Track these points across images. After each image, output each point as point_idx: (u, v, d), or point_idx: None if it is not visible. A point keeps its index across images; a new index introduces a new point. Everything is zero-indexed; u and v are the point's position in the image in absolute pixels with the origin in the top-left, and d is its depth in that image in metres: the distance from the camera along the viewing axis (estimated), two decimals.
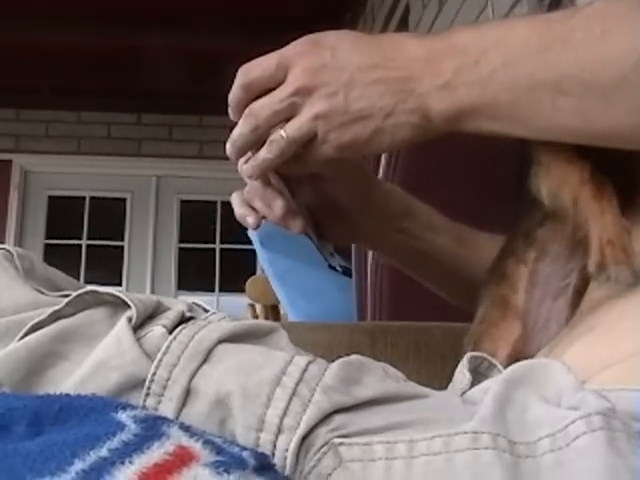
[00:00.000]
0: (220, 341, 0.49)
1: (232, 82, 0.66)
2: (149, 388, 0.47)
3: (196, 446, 0.39)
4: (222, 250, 5.64)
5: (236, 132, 0.66)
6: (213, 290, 5.58)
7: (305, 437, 0.44)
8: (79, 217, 5.64)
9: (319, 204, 0.79)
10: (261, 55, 0.65)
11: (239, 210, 0.77)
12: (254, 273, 4.43)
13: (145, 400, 0.47)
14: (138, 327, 0.50)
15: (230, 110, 0.67)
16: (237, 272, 4.79)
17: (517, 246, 0.68)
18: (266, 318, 2.58)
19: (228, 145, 0.67)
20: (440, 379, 0.61)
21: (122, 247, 5.60)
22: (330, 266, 0.86)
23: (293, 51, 0.64)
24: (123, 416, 0.41)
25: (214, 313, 0.54)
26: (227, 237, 5.56)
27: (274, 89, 0.64)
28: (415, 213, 0.85)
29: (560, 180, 0.60)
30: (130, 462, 0.36)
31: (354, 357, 0.51)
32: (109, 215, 5.65)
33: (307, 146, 0.65)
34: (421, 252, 0.87)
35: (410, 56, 0.61)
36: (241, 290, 2.86)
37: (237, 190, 0.78)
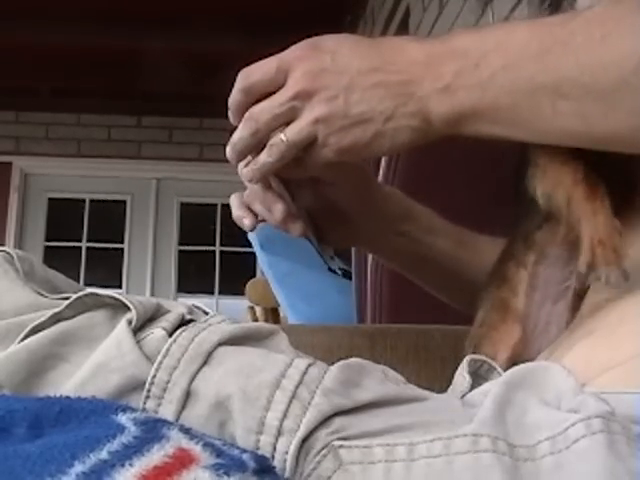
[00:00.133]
0: (220, 344, 0.50)
1: (232, 84, 0.66)
2: (149, 390, 0.47)
3: (196, 448, 0.39)
4: (222, 253, 5.64)
5: (236, 136, 0.66)
6: (213, 293, 5.58)
7: (305, 440, 0.44)
8: (79, 219, 5.64)
9: (319, 207, 0.79)
10: (261, 57, 0.65)
11: (236, 212, 0.77)
12: (254, 276, 4.43)
13: (145, 402, 0.47)
14: (138, 330, 0.50)
15: (230, 114, 0.67)
16: (237, 275, 4.80)
17: (517, 249, 0.68)
18: (266, 321, 2.59)
19: (228, 149, 0.68)
20: (440, 382, 0.61)
21: (122, 250, 5.60)
22: (330, 269, 0.86)
23: (293, 55, 0.64)
24: (123, 418, 0.41)
25: (214, 316, 0.54)
26: (227, 240, 5.56)
27: (274, 93, 0.64)
28: (415, 216, 0.85)
29: (555, 181, 0.60)
30: (130, 464, 0.36)
31: (354, 360, 0.51)
32: (109, 217, 5.66)
33: (307, 150, 0.65)
34: (421, 255, 0.87)
35: (410, 59, 0.61)
36: (241, 293, 2.86)
37: (236, 192, 0.78)
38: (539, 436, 0.44)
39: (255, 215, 0.76)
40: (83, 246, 5.62)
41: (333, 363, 0.50)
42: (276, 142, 0.65)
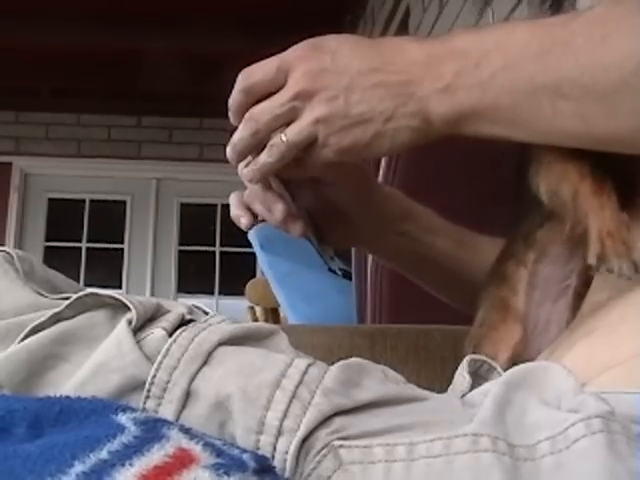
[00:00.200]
0: (220, 344, 0.50)
1: (232, 85, 0.66)
2: (149, 390, 0.47)
3: (196, 448, 0.39)
4: (222, 253, 5.64)
5: (236, 136, 0.66)
6: (213, 293, 5.59)
7: (305, 439, 0.44)
8: (79, 219, 5.65)
9: (319, 208, 0.79)
10: (261, 57, 0.65)
11: (234, 211, 0.77)
12: (254, 276, 4.43)
13: (145, 402, 0.47)
14: (138, 329, 0.50)
15: (230, 114, 0.67)
16: (237, 275, 4.81)
17: (517, 248, 0.68)
18: (266, 321, 2.59)
19: (228, 149, 0.68)
20: (440, 382, 0.61)
21: (122, 250, 5.60)
22: (330, 269, 0.86)
23: (293, 55, 0.64)
24: (123, 418, 0.41)
25: (214, 316, 0.54)
26: (227, 240, 5.57)
27: (274, 93, 0.64)
28: (415, 216, 0.85)
29: (559, 177, 0.60)
30: (130, 464, 0.37)
31: (354, 360, 0.51)
32: (109, 218, 5.66)
33: (307, 150, 0.65)
34: (421, 255, 0.87)
35: (410, 60, 0.61)
36: (241, 293, 2.86)
37: (236, 191, 0.78)
38: (539, 436, 0.44)
39: (254, 215, 0.77)
40: (83, 246, 5.62)
41: (333, 363, 0.50)
42: (276, 142, 0.65)
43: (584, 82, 0.54)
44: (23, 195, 5.54)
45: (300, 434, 0.44)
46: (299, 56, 0.64)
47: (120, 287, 5.45)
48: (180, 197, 5.68)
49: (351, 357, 0.51)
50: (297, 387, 0.46)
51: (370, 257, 1.42)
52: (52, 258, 5.29)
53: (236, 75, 0.66)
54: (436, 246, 0.86)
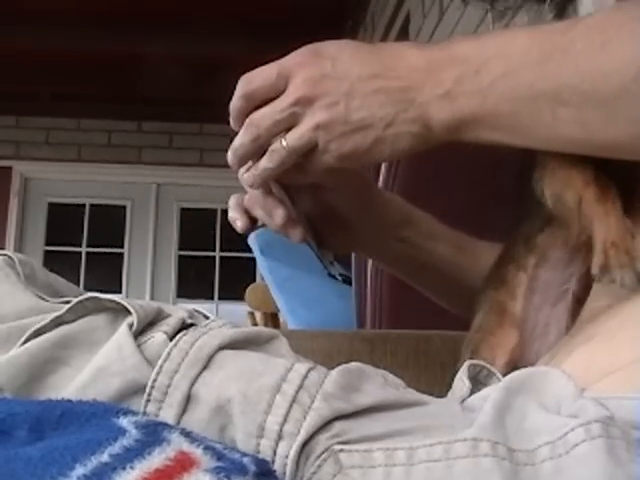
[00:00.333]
0: (220, 348, 0.50)
1: (233, 90, 0.66)
2: (150, 394, 0.47)
3: (197, 452, 0.39)
4: (222, 258, 5.64)
5: (237, 141, 0.67)
6: (213, 298, 5.58)
7: (305, 444, 0.44)
8: (79, 224, 5.64)
9: (319, 213, 0.79)
10: (262, 63, 0.65)
11: (231, 213, 0.77)
12: (254, 281, 4.42)
13: (146, 406, 0.47)
14: (139, 333, 0.50)
15: (231, 120, 0.67)
16: (237, 280, 4.80)
17: (517, 252, 0.68)
18: (265, 326, 2.58)
19: (229, 154, 0.68)
20: (440, 387, 0.61)
21: (122, 254, 5.60)
22: (330, 274, 0.86)
23: (293, 61, 0.64)
24: (124, 422, 0.41)
25: (214, 320, 0.54)
26: (227, 245, 5.56)
27: (275, 99, 0.64)
28: (415, 222, 0.86)
29: (564, 183, 0.60)
30: (131, 467, 0.37)
31: (354, 364, 0.51)
32: (109, 222, 5.66)
33: (308, 156, 0.65)
34: (421, 261, 0.87)
35: (410, 66, 0.61)
36: (241, 298, 2.86)
37: (236, 194, 0.78)
38: (539, 441, 0.44)
39: (253, 219, 0.77)
40: (83, 251, 5.62)
41: (333, 368, 0.50)
42: (277, 148, 0.65)
43: (584, 89, 0.54)
44: (23, 199, 5.54)
45: (300, 438, 0.44)
46: (299, 62, 0.64)
47: (120, 292, 5.44)
48: (180, 202, 5.68)
49: (351, 362, 0.51)
50: (297, 391, 0.46)
51: (370, 262, 1.42)
52: (52, 262, 5.28)
53: (236, 80, 0.66)
54: (436, 252, 0.86)
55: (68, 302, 0.52)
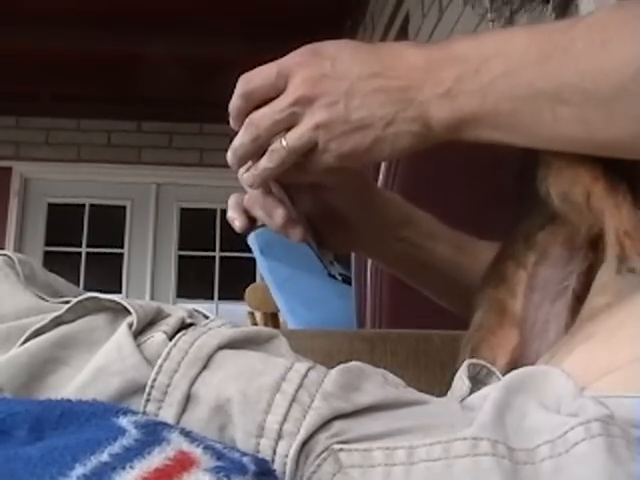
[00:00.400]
0: (220, 347, 0.50)
1: (232, 90, 0.66)
2: (149, 394, 0.47)
3: (197, 451, 0.39)
4: (222, 258, 5.64)
5: (237, 141, 0.67)
6: (212, 298, 5.58)
7: (305, 443, 0.44)
8: (79, 224, 5.64)
9: (319, 213, 0.79)
10: (261, 63, 0.65)
11: (230, 213, 0.78)
12: (254, 281, 4.43)
13: (145, 406, 0.47)
14: (139, 333, 0.50)
15: (231, 119, 0.67)
16: (237, 280, 4.79)
17: (517, 249, 0.68)
18: (265, 326, 2.58)
19: (229, 154, 0.68)
20: (440, 386, 0.61)
21: (122, 254, 5.60)
22: (330, 274, 0.86)
23: (293, 61, 0.64)
24: (124, 421, 0.41)
25: (214, 319, 0.54)
26: (227, 245, 5.56)
27: (274, 98, 0.64)
28: (415, 221, 0.86)
29: (571, 180, 0.60)
30: (131, 467, 0.37)
31: (354, 363, 0.51)
32: (109, 222, 5.66)
33: (308, 155, 0.65)
34: (421, 261, 0.87)
35: (410, 65, 0.61)
36: (240, 298, 2.86)
37: (235, 193, 0.78)
38: (538, 440, 0.44)
39: (251, 218, 0.77)
40: (83, 251, 5.62)
41: (333, 367, 0.50)
42: (277, 148, 0.65)
43: (585, 87, 0.54)
44: (23, 200, 5.54)
45: (300, 438, 0.44)
46: (299, 62, 0.64)
47: (120, 292, 5.44)
48: (180, 202, 5.68)
49: (351, 361, 0.51)
50: (297, 391, 0.46)
51: (370, 262, 1.42)
52: (52, 263, 5.28)
53: (236, 80, 0.66)
54: (436, 252, 0.86)
55: (68, 302, 0.52)
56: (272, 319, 2.68)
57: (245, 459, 0.41)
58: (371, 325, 1.39)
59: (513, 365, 0.63)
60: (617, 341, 0.55)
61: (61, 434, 0.40)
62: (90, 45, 4.44)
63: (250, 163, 0.68)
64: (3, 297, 0.55)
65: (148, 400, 0.47)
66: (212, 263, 5.64)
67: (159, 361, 0.48)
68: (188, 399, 0.47)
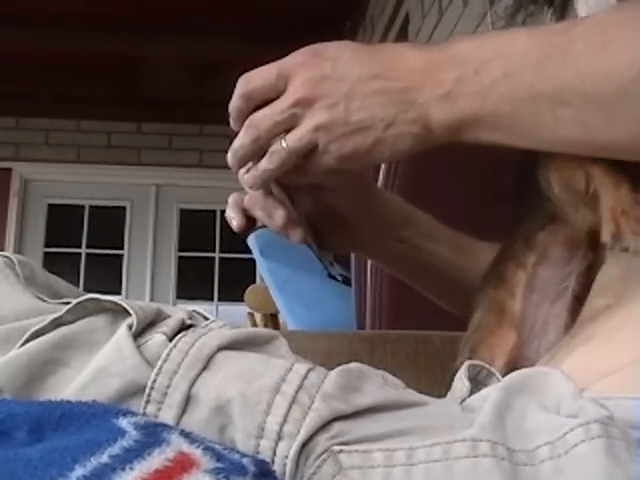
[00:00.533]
0: (220, 348, 0.50)
1: (232, 91, 0.66)
2: (149, 395, 0.47)
3: (196, 452, 0.39)
4: (221, 259, 5.64)
5: (237, 143, 0.67)
6: (212, 299, 5.58)
7: (305, 444, 0.45)
8: (79, 225, 5.64)
9: (319, 213, 0.79)
10: (261, 64, 0.65)
11: (228, 212, 0.78)
12: (253, 282, 4.42)
13: (145, 407, 0.47)
14: (138, 334, 0.50)
15: (231, 119, 0.67)
16: (236, 281, 4.79)
17: (517, 250, 0.68)
18: (265, 327, 2.58)
19: (229, 155, 0.68)
20: (439, 387, 0.61)
21: (121, 256, 5.60)
22: (330, 275, 0.86)
23: (293, 62, 0.64)
24: (124, 422, 0.41)
25: (214, 321, 0.55)
26: (227, 246, 5.56)
27: (274, 99, 0.64)
28: (415, 222, 0.86)
29: (573, 166, 0.59)
30: (131, 468, 0.37)
31: (353, 365, 0.51)
32: (109, 223, 5.66)
33: (308, 157, 0.65)
34: (421, 262, 0.87)
35: (410, 66, 0.61)
36: (240, 299, 2.86)
37: (235, 193, 0.79)
38: (538, 441, 0.44)
39: (249, 218, 0.77)
40: (83, 252, 5.62)
41: (333, 368, 0.50)
42: (277, 149, 0.65)
43: (584, 89, 0.54)
44: (23, 201, 5.54)
45: (300, 439, 0.44)
46: (299, 63, 0.64)
47: (120, 293, 5.44)
48: (180, 203, 5.68)
49: (351, 362, 0.51)
50: (297, 392, 0.46)
51: (370, 263, 1.42)
52: (52, 264, 5.28)
53: (236, 81, 0.66)
54: (436, 253, 0.86)
55: (68, 303, 0.52)
56: (272, 320, 2.68)
57: (245, 460, 0.40)
58: (371, 326, 1.39)
59: (511, 366, 0.63)
60: (617, 343, 0.55)
61: (61, 435, 0.40)
62: (90, 46, 4.44)
63: (250, 164, 0.68)
64: (3, 298, 0.55)
65: (148, 401, 0.47)
66: (212, 264, 5.64)
67: (159, 362, 0.48)
68: (188, 400, 0.47)
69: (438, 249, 0.86)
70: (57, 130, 5.57)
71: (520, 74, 0.57)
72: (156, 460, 0.37)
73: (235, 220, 0.77)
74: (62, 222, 5.64)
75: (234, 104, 0.66)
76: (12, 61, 4.53)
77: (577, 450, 0.43)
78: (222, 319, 0.55)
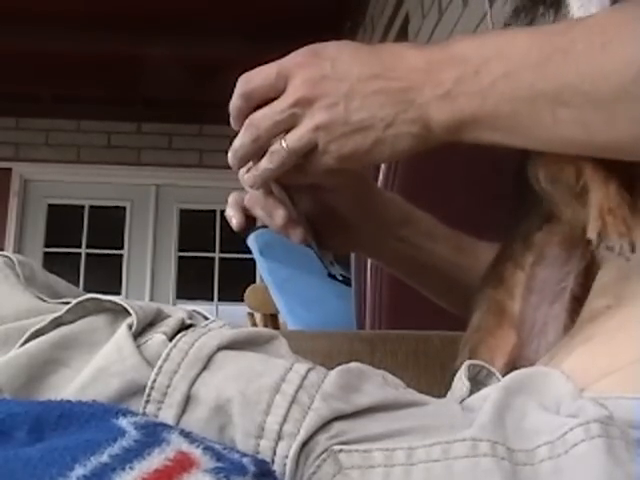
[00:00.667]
0: (220, 348, 0.50)
1: (232, 91, 0.66)
2: (149, 395, 0.47)
3: (196, 452, 0.39)
4: (221, 259, 5.64)
5: (237, 142, 0.67)
6: (212, 299, 5.58)
7: (305, 444, 0.45)
8: (78, 225, 5.64)
9: (319, 213, 0.79)
10: (261, 64, 0.65)
11: (228, 210, 0.78)
12: (253, 282, 4.42)
13: (145, 407, 0.47)
14: (138, 334, 0.50)
15: (231, 119, 0.67)
16: (236, 281, 4.78)
17: (515, 250, 0.68)
18: (265, 327, 2.58)
19: (230, 155, 0.68)
20: (439, 387, 0.61)
21: (121, 256, 5.59)
22: (330, 275, 0.86)
23: (293, 61, 0.64)
24: (123, 422, 0.41)
25: (214, 320, 0.55)
26: (226, 246, 5.56)
27: (274, 99, 0.64)
28: (415, 221, 0.86)
29: (562, 162, 0.59)
30: (131, 468, 0.37)
31: (353, 365, 0.51)
32: (108, 224, 5.65)
33: (308, 156, 0.65)
34: (421, 261, 0.87)
35: (410, 66, 0.61)
36: (240, 299, 2.85)
37: (235, 192, 0.79)
38: (538, 441, 0.44)
39: (249, 217, 0.77)
40: (82, 252, 5.62)
41: (333, 368, 0.50)
42: (277, 149, 0.65)
43: (584, 89, 0.54)
44: (23, 201, 5.53)
45: (300, 438, 0.44)
46: (299, 62, 0.64)
47: (120, 293, 5.43)
48: (180, 203, 5.68)
49: (351, 362, 0.51)
50: (297, 391, 0.46)
51: (370, 263, 1.42)
52: (52, 264, 5.28)
53: (236, 81, 0.66)
54: (436, 252, 0.86)
55: (68, 303, 0.52)
56: (272, 320, 2.67)
57: (245, 460, 0.41)
58: (371, 326, 1.39)
59: (511, 366, 0.63)
60: (617, 343, 0.55)
61: (61, 435, 0.40)
62: (90, 46, 4.43)
63: (251, 164, 0.68)
64: (3, 298, 0.55)
65: (148, 401, 0.47)
66: (212, 264, 5.64)
67: (159, 362, 0.48)
68: (188, 400, 0.47)
69: (437, 248, 0.86)
70: (57, 130, 5.57)
71: (520, 74, 0.57)
72: (156, 460, 0.37)
73: (235, 219, 0.77)
74: (62, 222, 5.64)
75: (234, 104, 0.66)
76: (12, 61, 4.53)
77: (577, 450, 0.43)
78: (222, 319, 0.55)
